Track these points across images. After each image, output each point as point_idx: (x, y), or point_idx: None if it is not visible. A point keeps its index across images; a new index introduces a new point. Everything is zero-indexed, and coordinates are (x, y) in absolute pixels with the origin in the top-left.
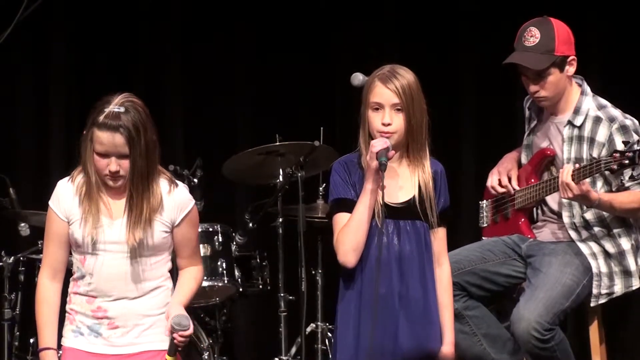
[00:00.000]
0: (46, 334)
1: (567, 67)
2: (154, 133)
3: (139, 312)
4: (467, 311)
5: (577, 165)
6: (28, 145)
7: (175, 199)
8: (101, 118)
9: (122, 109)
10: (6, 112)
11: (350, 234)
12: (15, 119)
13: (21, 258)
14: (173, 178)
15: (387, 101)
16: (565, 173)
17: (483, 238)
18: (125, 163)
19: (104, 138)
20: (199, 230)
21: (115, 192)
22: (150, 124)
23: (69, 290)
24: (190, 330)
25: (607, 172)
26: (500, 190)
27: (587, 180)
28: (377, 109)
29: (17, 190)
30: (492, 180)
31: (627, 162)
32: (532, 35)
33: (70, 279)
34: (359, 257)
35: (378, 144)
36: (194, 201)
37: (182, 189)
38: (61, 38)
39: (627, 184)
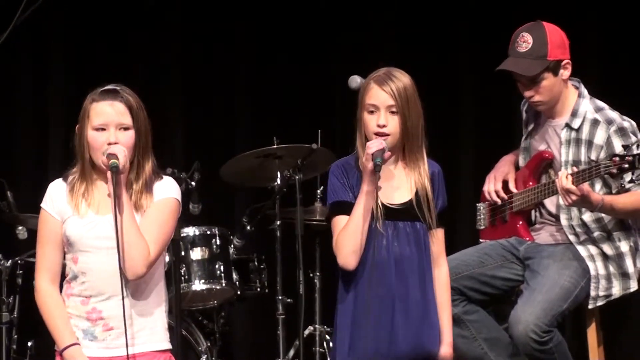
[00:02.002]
0: (66, 332)
1: (561, 71)
2: (148, 120)
3: (134, 312)
4: (467, 315)
5: (574, 169)
6: (26, 149)
7: (157, 190)
8: (98, 92)
9: (117, 87)
10: (5, 116)
11: (349, 236)
12: (13, 123)
13: (19, 261)
14: (161, 172)
15: (382, 103)
16: (564, 179)
17: (480, 240)
18: (124, 136)
19: (104, 107)
20: (197, 232)
21: (106, 188)
22: (145, 111)
23: (63, 292)
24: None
25: (606, 176)
26: (495, 198)
27: (584, 186)
28: (372, 111)
29: (15, 193)
30: (489, 187)
31: (626, 166)
32: (525, 41)
33: (64, 281)
34: (359, 259)
35: (373, 145)
36: (174, 196)
37: (168, 181)
38: (60, 39)
39: (627, 186)
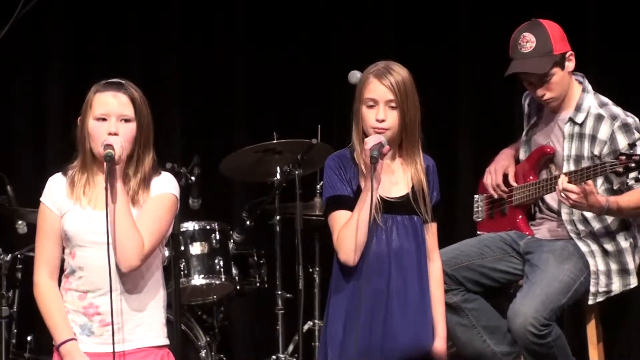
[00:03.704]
0: (63, 327)
1: (566, 64)
2: (151, 116)
3: (131, 307)
4: (466, 304)
5: (570, 170)
6: (26, 144)
7: (155, 186)
8: (102, 83)
9: (122, 81)
10: (3, 111)
11: (352, 233)
12: (12, 117)
13: (18, 256)
14: (160, 169)
15: (381, 97)
16: (559, 182)
17: (478, 232)
18: (125, 128)
19: (107, 97)
20: (196, 227)
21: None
22: (148, 106)
23: (61, 287)
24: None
25: (611, 175)
26: (499, 192)
27: (590, 181)
28: (371, 105)
29: (15, 188)
30: (489, 180)
31: (633, 165)
32: (528, 41)
33: (62, 275)
34: (360, 254)
35: (371, 141)
36: (172, 192)
37: (167, 177)
38: (59, 35)
39: (630, 183)
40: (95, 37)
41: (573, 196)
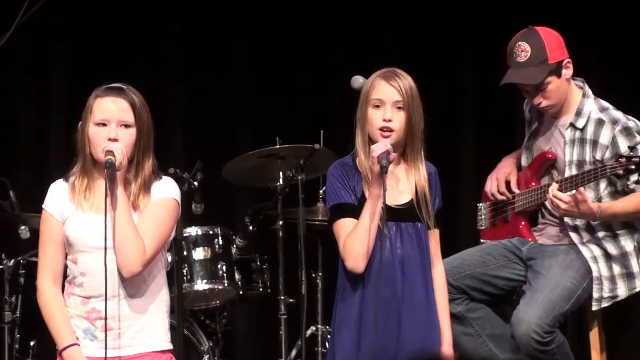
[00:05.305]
0: (65, 333)
1: (563, 71)
2: (151, 120)
3: (133, 312)
4: (470, 313)
5: (559, 177)
6: (28, 148)
7: (155, 190)
8: (103, 89)
9: (123, 85)
10: (6, 115)
11: (359, 240)
12: (15, 122)
13: (21, 261)
14: (160, 173)
15: (389, 98)
16: (550, 190)
17: (481, 240)
18: (125, 134)
19: (106, 103)
20: (199, 232)
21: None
22: (148, 111)
23: (64, 292)
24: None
25: (612, 177)
26: (499, 197)
27: (582, 189)
28: (378, 105)
29: (18, 193)
30: (491, 186)
31: (633, 167)
32: (523, 50)
33: (66, 281)
34: (367, 262)
35: (378, 148)
36: (172, 197)
37: (167, 181)
38: (61, 39)
39: (632, 186)
40: (97, 44)
41: (563, 205)
